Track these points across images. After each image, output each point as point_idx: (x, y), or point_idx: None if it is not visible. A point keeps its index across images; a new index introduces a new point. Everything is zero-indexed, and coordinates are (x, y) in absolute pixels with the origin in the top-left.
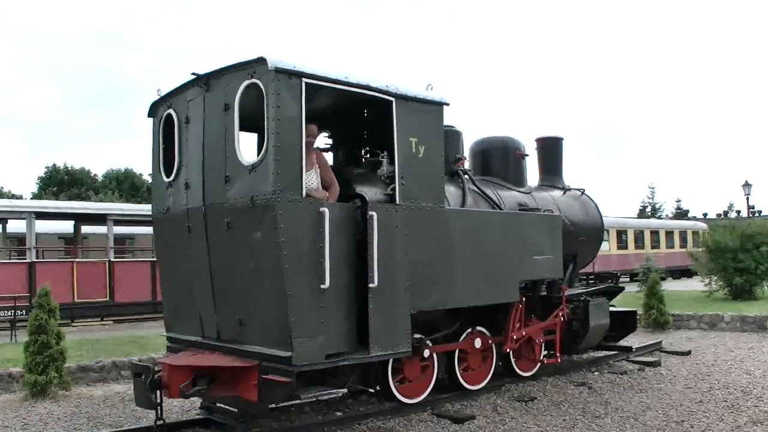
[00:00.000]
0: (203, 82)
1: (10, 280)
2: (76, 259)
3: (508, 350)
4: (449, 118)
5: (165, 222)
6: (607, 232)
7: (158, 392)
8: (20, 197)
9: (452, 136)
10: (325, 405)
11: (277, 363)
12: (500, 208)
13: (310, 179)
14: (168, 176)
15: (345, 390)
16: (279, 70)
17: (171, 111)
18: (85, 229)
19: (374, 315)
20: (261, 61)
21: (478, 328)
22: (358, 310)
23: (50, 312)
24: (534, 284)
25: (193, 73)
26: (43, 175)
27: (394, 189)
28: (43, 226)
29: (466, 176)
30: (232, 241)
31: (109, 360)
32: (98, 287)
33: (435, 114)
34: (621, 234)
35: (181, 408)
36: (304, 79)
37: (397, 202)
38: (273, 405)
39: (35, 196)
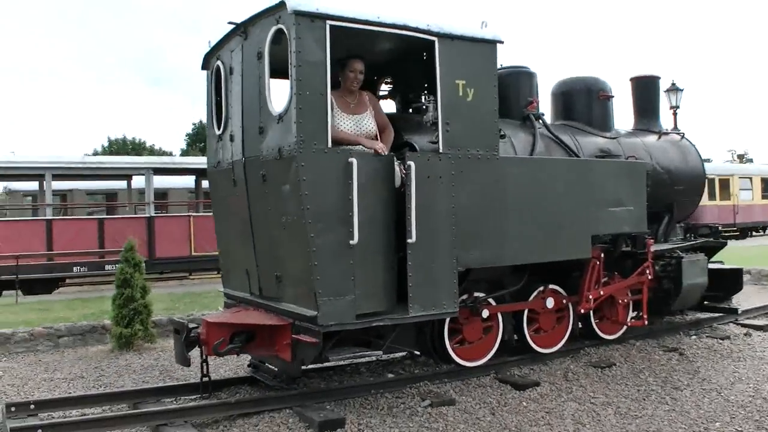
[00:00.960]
0: (242, 30)
1: (131, 233)
2: (194, 214)
3: (582, 311)
4: (524, 58)
5: (215, 176)
6: (750, 180)
7: (200, 349)
8: (170, 153)
9: (524, 78)
10: (381, 365)
11: (306, 322)
12: (577, 156)
13: (365, 122)
14: (218, 129)
15: (380, 352)
16: (299, 13)
17: (219, 62)
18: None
19: (414, 272)
20: (282, 5)
21: (551, 286)
22: (398, 267)
23: (135, 266)
24: (614, 239)
25: (230, 22)
26: (191, 132)
27: (438, 136)
28: (172, 181)
29: (540, 121)
30: (268, 195)
31: (200, 314)
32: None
33: (486, 54)
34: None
35: (235, 365)
36: (328, 22)
37: (441, 150)
38: (304, 366)
39: (183, 153)
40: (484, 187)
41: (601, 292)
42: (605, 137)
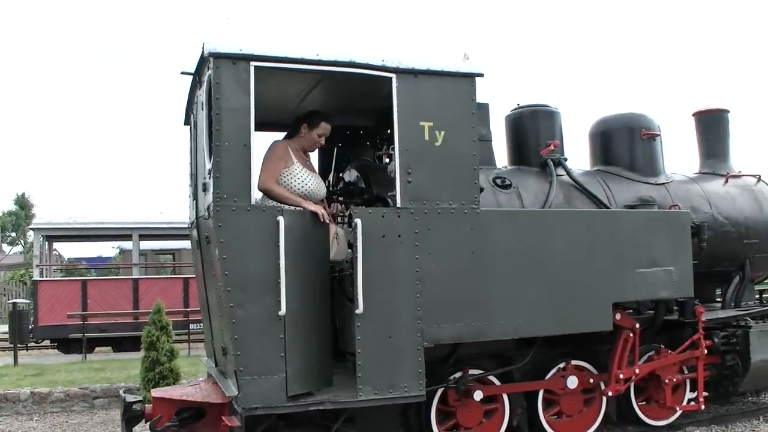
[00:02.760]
0: (197, 80)
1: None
2: None
3: (610, 394)
4: (544, 96)
5: (190, 236)
6: None
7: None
8: None
9: (543, 118)
10: None
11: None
12: (606, 207)
13: (322, 183)
14: (191, 187)
15: None
16: (218, 55)
17: (192, 115)
18: None
19: (363, 349)
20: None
21: (575, 362)
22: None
23: (162, 329)
24: (655, 305)
25: (183, 72)
26: None
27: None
28: None
29: (560, 167)
30: (210, 259)
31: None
32: None
33: (461, 90)
34: None
35: None
36: (253, 63)
37: (399, 204)
38: None
39: None
40: (459, 246)
41: (637, 371)
42: (649, 183)
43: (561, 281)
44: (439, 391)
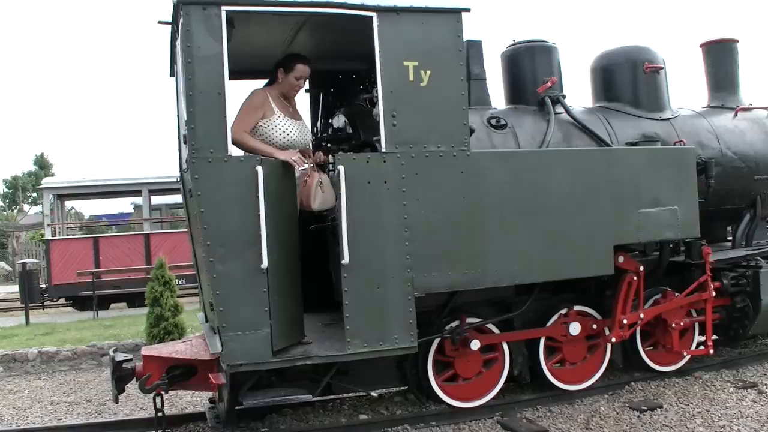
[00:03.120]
0: (175, 28)
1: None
2: None
3: (614, 340)
4: (543, 31)
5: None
6: None
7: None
8: None
9: (540, 54)
10: (370, 403)
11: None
12: (608, 145)
13: (307, 131)
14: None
15: (309, 397)
16: (187, 1)
17: (175, 65)
18: None
19: (350, 300)
20: None
21: (577, 307)
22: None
23: (165, 284)
24: (660, 246)
25: (160, 21)
26: None
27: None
28: None
29: (559, 104)
30: (194, 212)
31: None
32: None
33: (447, 26)
34: None
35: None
36: (224, 8)
37: (384, 149)
38: (240, 406)
39: None
40: (449, 191)
41: (642, 315)
42: (654, 119)
43: (558, 224)
44: (436, 341)
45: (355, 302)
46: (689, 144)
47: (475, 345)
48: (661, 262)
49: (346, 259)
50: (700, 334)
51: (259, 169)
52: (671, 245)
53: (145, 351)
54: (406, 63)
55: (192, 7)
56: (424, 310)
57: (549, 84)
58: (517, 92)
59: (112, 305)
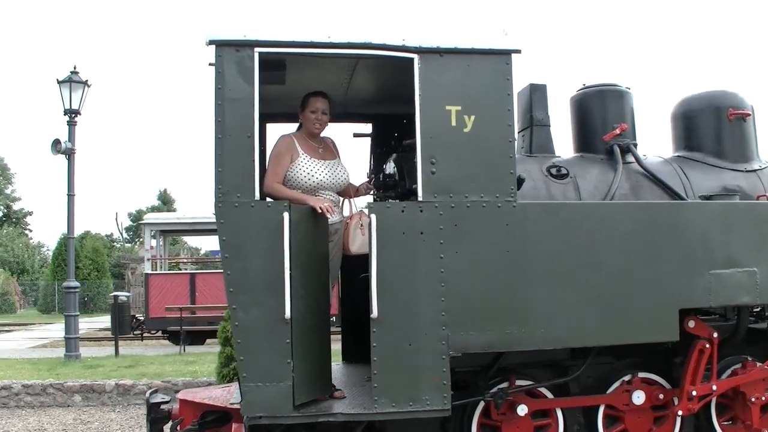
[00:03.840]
0: None
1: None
2: None
3: (680, 413)
4: (621, 76)
5: None
6: None
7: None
8: None
9: (611, 99)
10: None
11: None
12: (681, 198)
13: (340, 170)
14: None
15: None
16: (220, 43)
17: None
18: None
19: (379, 357)
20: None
21: (642, 374)
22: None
23: None
24: (738, 311)
25: (211, 64)
26: None
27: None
28: None
29: (629, 153)
30: None
31: None
32: None
33: (495, 69)
34: None
35: None
36: (257, 50)
37: (421, 198)
38: None
39: None
40: (492, 244)
41: (714, 387)
42: (738, 171)
43: (615, 284)
44: (481, 404)
45: (384, 358)
46: None
47: (522, 410)
48: (738, 329)
49: (375, 313)
50: None
51: (286, 215)
52: (753, 310)
53: (182, 395)
54: (448, 107)
55: (225, 48)
56: (468, 369)
57: (618, 131)
58: (584, 139)
59: (208, 341)
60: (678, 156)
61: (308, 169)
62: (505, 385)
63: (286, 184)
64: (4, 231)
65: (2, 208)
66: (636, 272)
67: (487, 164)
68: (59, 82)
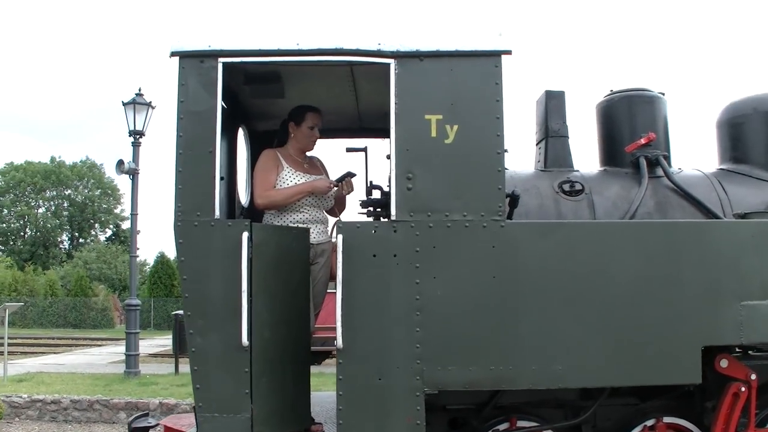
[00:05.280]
0: None
1: None
2: None
3: None
4: (649, 80)
5: None
6: None
7: None
8: None
9: (638, 106)
10: None
11: None
12: (716, 217)
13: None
14: None
15: None
16: (184, 54)
17: None
18: None
19: (344, 391)
20: None
21: (668, 419)
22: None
23: None
24: None
25: None
26: None
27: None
28: None
29: (659, 166)
30: None
31: None
32: None
33: (481, 72)
34: None
35: None
36: (221, 60)
37: (394, 217)
38: None
39: None
40: (475, 269)
41: None
42: None
43: (624, 316)
44: None
45: (351, 394)
46: None
47: None
48: None
49: (340, 343)
50: None
51: (245, 235)
52: None
53: (166, 421)
54: (428, 116)
55: (189, 60)
56: (462, 407)
57: (643, 141)
58: (610, 152)
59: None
60: (721, 169)
61: (292, 182)
62: (504, 426)
63: None
64: (112, 249)
65: (112, 227)
66: (650, 303)
67: (471, 179)
68: (124, 104)
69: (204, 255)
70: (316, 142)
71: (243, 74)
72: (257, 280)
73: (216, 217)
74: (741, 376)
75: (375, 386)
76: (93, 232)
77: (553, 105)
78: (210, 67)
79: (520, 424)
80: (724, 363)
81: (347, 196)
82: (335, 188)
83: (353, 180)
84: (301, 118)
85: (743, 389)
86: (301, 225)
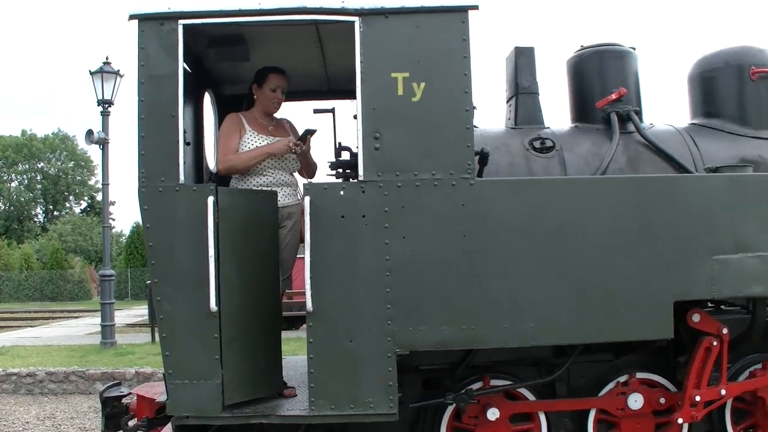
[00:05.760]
0: None
1: None
2: None
3: (680, 421)
4: (625, 36)
5: None
6: None
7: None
8: None
9: (610, 61)
10: None
11: None
12: (687, 171)
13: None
14: None
15: None
16: (143, 17)
17: None
18: None
19: (315, 354)
20: None
21: (641, 374)
22: None
23: None
24: (753, 304)
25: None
26: None
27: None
28: None
29: (630, 122)
30: None
31: None
32: None
33: (448, 28)
34: None
35: None
36: (181, 22)
37: (362, 177)
38: None
39: None
40: (445, 228)
41: (723, 392)
42: (762, 138)
43: (595, 272)
44: (452, 406)
45: (322, 356)
46: None
47: (493, 414)
48: (753, 325)
49: (310, 306)
50: None
51: (210, 199)
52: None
53: (138, 390)
54: (394, 74)
55: (147, 23)
56: (436, 367)
57: (614, 96)
58: (581, 108)
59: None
60: (693, 124)
61: (255, 146)
62: (478, 385)
63: None
64: (87, 221)
65: (87, 199)
66: (621, 258)
67: (439, 137)
68: (92, 74)
69: (169, 221)
70: (281, 104)
71: (206, 37)
72: (224, 244)
73: (181, 182)
74: (713, 331)
75: (346, 348)
76: (67, 205)
77: (522, 61)
78: (170, 29)
79: (494, 383)
80: (696, 318)
81: (316, 160)
82: (297, 148)
83: (312, 138)
84: (264, 80)
85: (715, 343)
86: (266, 189)
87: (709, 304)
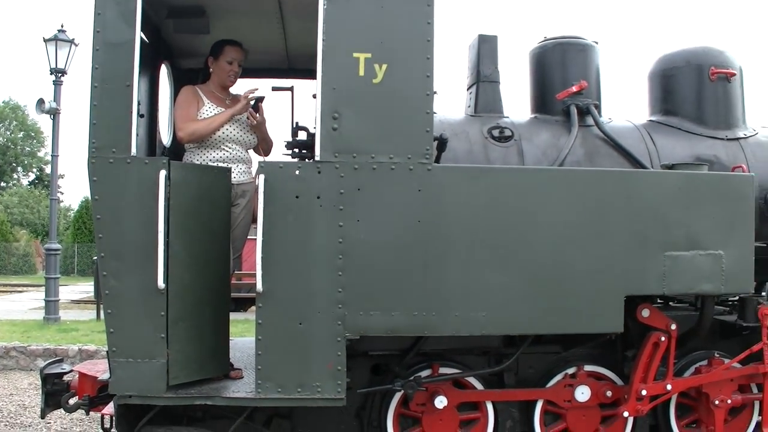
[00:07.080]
0: None
1: None
2: None
3: (626, 414)
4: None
5: None
6: None
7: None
8: None
9: (572, 54)
10: None
11: None
12: (643, 167)
13: (242, 125)
14: None
15: None
16: None
17: None
18: None
19: (264, 335)
20: None
21: (589, 367)
22: None
23: None
24: (702, 301)
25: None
26: None
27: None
28: None
29: (590, 115)
30: None
31: None
32: None
33: (413, 11)
34: None
35: None
36: None
37: (318, 158)
38: None
39: None
40: (400, 212)
41: (669, 386)
42: (718, 138)
43: (548, 264)
44: (400, 393)
45: (270, 338)
46: (759, 171)
47: (441, 402)
48: (701, 322)
49: (260, 287)
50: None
51: (162, 173)
52: (729, 300)
53: (80, 367)
54: (356, 54)
55: None
56: (385, 353)
57: (575, 89)
58: (541, 99)
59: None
60: (651, 121)
61: (209, 114)
62: (427, 372)
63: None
64: (35, 193)
65: (36, 171)
66: (575, 251)
67: (398, 120)
68: (45, 41)
69: (119, 194)
70: (237, 78)
71: (166, 7)
72: (175, 220)
73: (133, 154)
74: (662, 326)
75: (295, 331)
76: (15, 176)
77: (485, 49)
78: None
79: (443, 370)
80: (645, 313)
81: (273, 139)
82: (253, 120)
83: (269, 118)
84: (220, 52)
85: (663, 339)
86: (222, 164)
87: (659, 300)
